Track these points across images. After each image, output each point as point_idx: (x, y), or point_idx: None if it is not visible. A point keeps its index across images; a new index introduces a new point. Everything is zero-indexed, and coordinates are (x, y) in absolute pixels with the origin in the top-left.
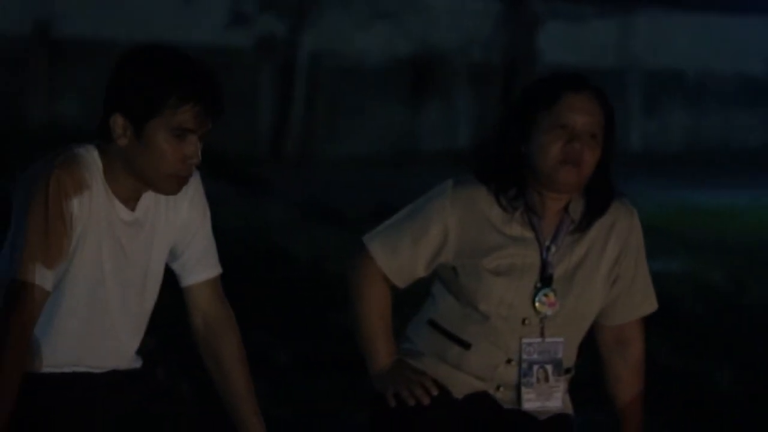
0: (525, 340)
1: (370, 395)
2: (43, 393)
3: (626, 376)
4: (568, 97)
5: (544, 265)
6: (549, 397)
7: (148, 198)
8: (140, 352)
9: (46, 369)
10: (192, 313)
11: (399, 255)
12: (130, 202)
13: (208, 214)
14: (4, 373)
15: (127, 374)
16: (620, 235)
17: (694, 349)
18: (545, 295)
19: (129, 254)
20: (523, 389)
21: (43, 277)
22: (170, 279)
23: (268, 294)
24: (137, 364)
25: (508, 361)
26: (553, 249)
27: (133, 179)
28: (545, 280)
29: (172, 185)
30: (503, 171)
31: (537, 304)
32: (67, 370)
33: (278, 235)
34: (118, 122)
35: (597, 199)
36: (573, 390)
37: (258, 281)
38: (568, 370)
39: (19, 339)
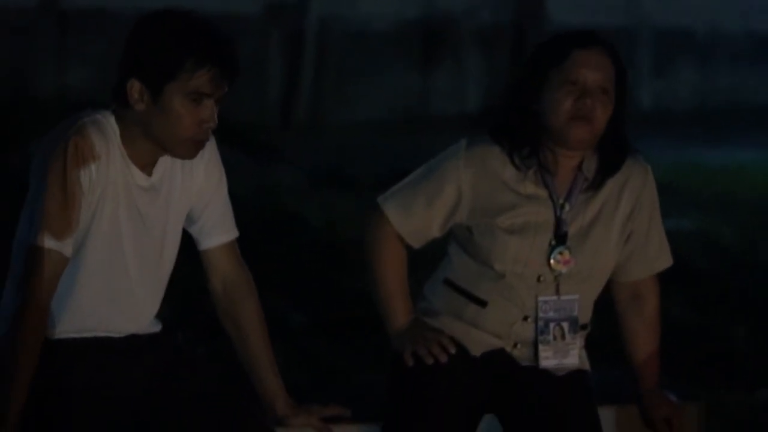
0: (541, 298)
1: (388, 355)
2: (63, 358)
3: (642, 332)
4: (577, 53)
5: (559, 223)
6: (566, 355)
7: (165, 163)
8: (159, 316)
9: (65, 335)
10: (210, 277)
11: (413, 216)
12: (147, 167)
13: (224, 178)
14: (26, 339)
15: (147, 338)
16: (633, 191)
17: (707, 305)
18: (560, 252)
19: (146, 219)
20: (540, 347)
21: (62, 244)
22: (188, 245)
23: (282, 259)
24: (156, 328)
25: (525, 318)
26: (567, 207)
27: (150, 144)
28: (560, 237)
29: (189, 150)
30: (516, 130)
31: (552, 262)
32: (87, 335)
33: (290, 200)
34: (134, 87)
35: (610, 156)
36: (590, 346)
37: (271, 247)
38: (584, 327)
39: (39, 304)
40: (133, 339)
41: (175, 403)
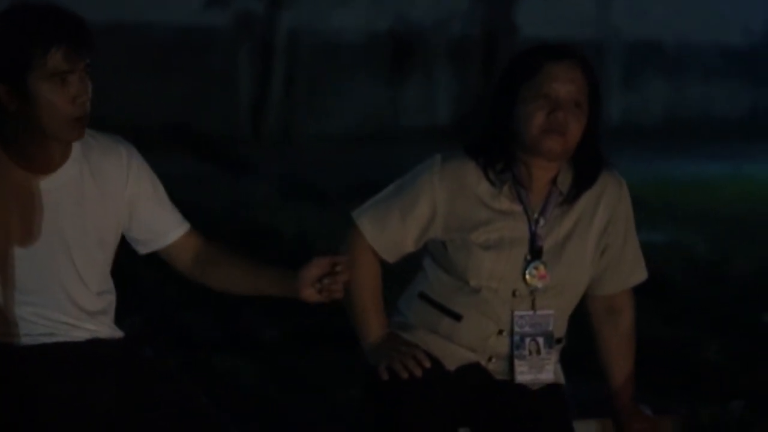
0: (517, 313)
1: (363, 369)
2: (22, 364)
3: (617, 346)
4: (549, 66)
5: (533, 238)
6: (541, 370)
7: (71, 168)
8: (121, 325)
9: (23, 341)
10: (178, 264)
11: (388, 230)
12: (47, 169)
13: (157, 181)
14: None
15: (109, 343)
16: (608, 204)
17: (681, 318)
18: (535, 267)
19: (47, 221)
20: (516, 362)
21: None
22: (153, 258)
23: None
24: (118, 334)
25: (500, 332)
26: (541, 222)
27: (38, 139)
28: (535, 252)
29: (72, 129)
30: (490, 145)
31: (527, 277)
32: (46, 340)
33: (261, 213)
34: (1, 92)
35: (585, 170)
36: (565, 360)
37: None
38: (559, 341)
39: None
40: (95, 343)
41: (146, 412)
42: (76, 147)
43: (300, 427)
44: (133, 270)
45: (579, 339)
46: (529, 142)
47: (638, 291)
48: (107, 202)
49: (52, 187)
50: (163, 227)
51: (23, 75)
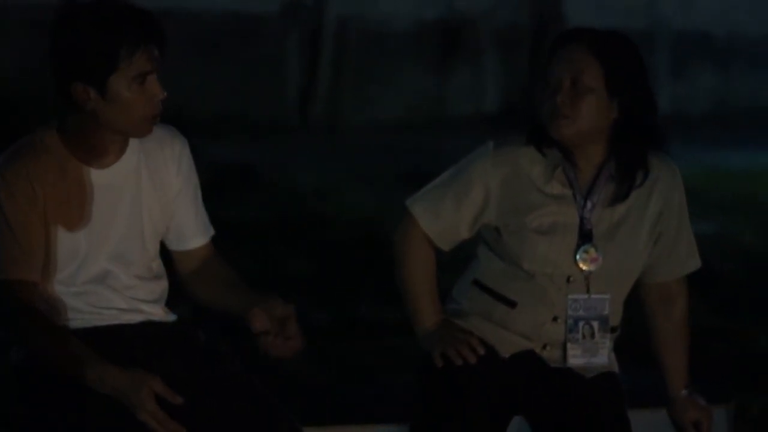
0: (571, 297)
1: (417, 356)
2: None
3: (671, 335)
4: (556, 52)
5: (583, 222)
6: (595, 354)
7: (129, 162)
8: (175, 309)
9: (76, 324)
10: (183, 268)
11: (442, 218)
12: (105, 162)
13: (198, 182)
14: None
15: (162, 326)
16: (662, 192)
17: (729, 309)
18: (585, 251)
19: (109, 215)
20: (569, 345)
21: (29, 270)
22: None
23: (303, 259)
24: (170, 317)
25: (555, 319)
26: (588, 205)
27: (109, 135)
28: (584, 236)
29: (147, 127)
30: (540, 131)
31: (579, 261)
32: (98, 323)
33: (311, 200)
34: (78, 90)
35: (626, 153)
36: (619, 348)
37: (292, 247)
38: (614, 329)
39: (37, 333)
40: (148, 326)
41: (200, 395)
42: (134, 138)
43: (348, 412)
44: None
45: (632, 327)
46: (548, 129)
47: (688, 280)
48: (160, 193)
49: (110, 178)
50: (187, 231)
51: (106, 76)
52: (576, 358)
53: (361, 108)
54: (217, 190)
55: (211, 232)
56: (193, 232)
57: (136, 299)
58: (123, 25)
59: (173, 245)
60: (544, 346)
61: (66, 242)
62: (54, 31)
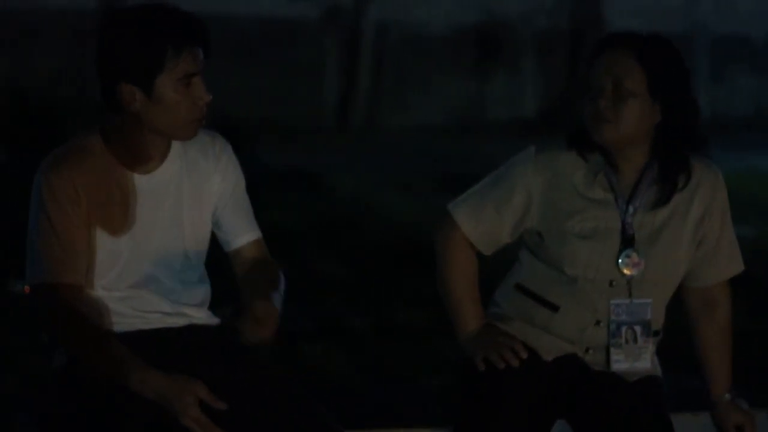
0: (613, 301)
1: (459, 360)
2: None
3: (714, 339)
4: (598, 56)
5: (625, 227)
6: (638, 358)
7: (172, 165)
8: (215, 313)
9: (120, 328)
10: (238, 269)
11: (483, 222)
12: (148, 167)
13: (242, 179)
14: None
15: (204, 330)
16: (705, 195)
17: None
18: (628, 256)
19: (151, 221)
20: (612, 350)
21: (73, 273)
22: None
23: (341, 262)
24: (213, 321)
25: (597, 323)
26: (630, 210)
27: (152, 137)
28: (627, 241)
29: (191, 130)
30: (583, 136)
31: (621, 266)
32: (144, 327)
33: (348, 204)
34: (125, 90)
35: (668, 158)
36: (662, 353)
37: (330, 249)
38: (656, 333)
39: (81, 336)
40: (191, 330)
41: (242, 399)
42: (176, 142)
43: (385, 415)
44: (226, 260)
45: (675, 331)
46: (590, 134)
47: (729, 285)
48: (202, 197)
49: (153, 184)
50: (232, 229)
51: (153, 77)
52: (619, 363)
53: (398, 112)
54: (254, 194)
55: (255, 233)
56: (242, 230)
57: (180, 302)
58: (169, 27)
59: (226, 246)
60: (587, 350)
61: (108, 246)
62: (101, 33)
